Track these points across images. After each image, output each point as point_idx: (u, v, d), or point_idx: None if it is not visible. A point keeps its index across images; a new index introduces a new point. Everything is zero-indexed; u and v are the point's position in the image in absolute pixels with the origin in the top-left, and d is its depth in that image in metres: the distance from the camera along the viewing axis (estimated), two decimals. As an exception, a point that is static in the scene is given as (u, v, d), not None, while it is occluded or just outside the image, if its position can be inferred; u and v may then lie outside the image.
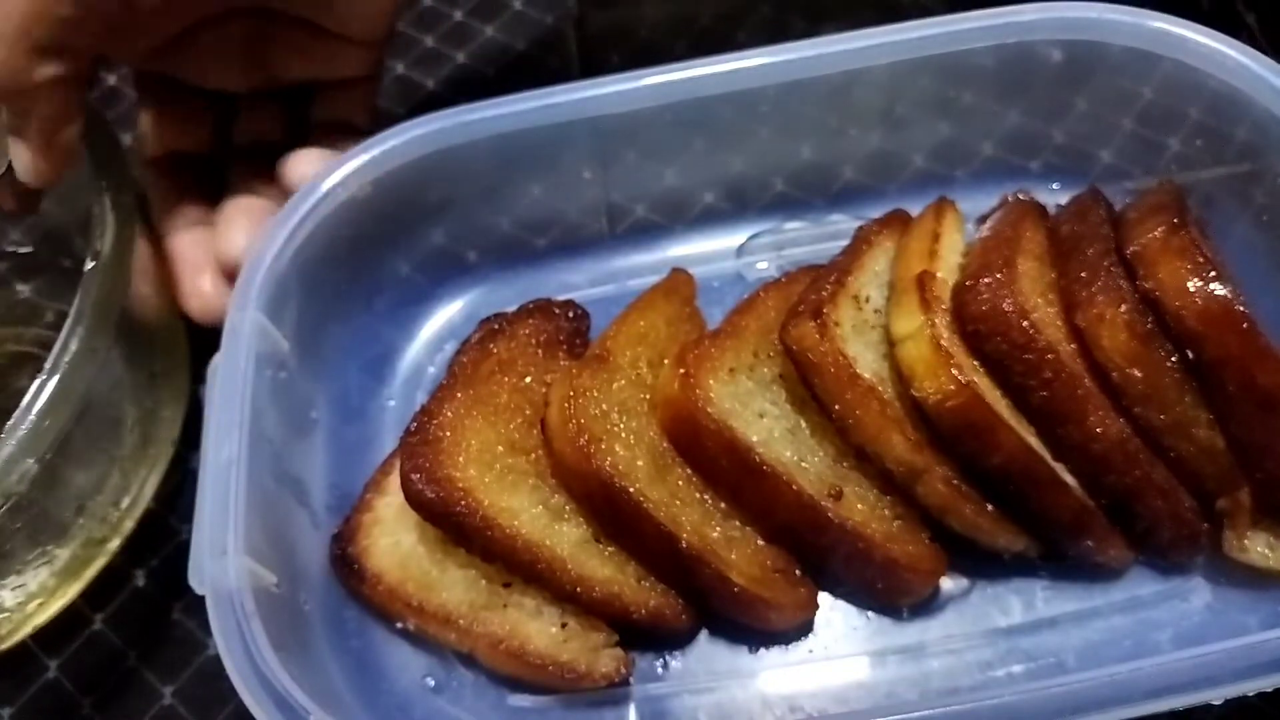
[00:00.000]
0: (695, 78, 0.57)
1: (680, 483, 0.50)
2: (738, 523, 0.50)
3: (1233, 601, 0.50)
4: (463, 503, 0.48)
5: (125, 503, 0.55)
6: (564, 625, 0.49)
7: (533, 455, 0.51)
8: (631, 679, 0.50)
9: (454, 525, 0.48)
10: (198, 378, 0.61)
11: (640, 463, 0.49)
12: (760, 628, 0.50)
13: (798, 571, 0.50)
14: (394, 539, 0.52)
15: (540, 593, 0.49)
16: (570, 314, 0.58)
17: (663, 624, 0.49)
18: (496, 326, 0.57)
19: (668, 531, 0.47)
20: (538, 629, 0.49)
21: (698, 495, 0.50)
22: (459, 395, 0.52)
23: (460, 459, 0.50)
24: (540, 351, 0.55)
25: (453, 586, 0.50)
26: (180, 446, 0.59)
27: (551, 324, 0.57)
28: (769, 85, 0.57)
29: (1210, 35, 0.54)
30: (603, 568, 0.49)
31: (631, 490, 0.48)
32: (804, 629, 0.51)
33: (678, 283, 0.58)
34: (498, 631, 0.48)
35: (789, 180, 0.64)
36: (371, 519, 0.52)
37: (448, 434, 0.50)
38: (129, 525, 0.56)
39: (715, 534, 0.49)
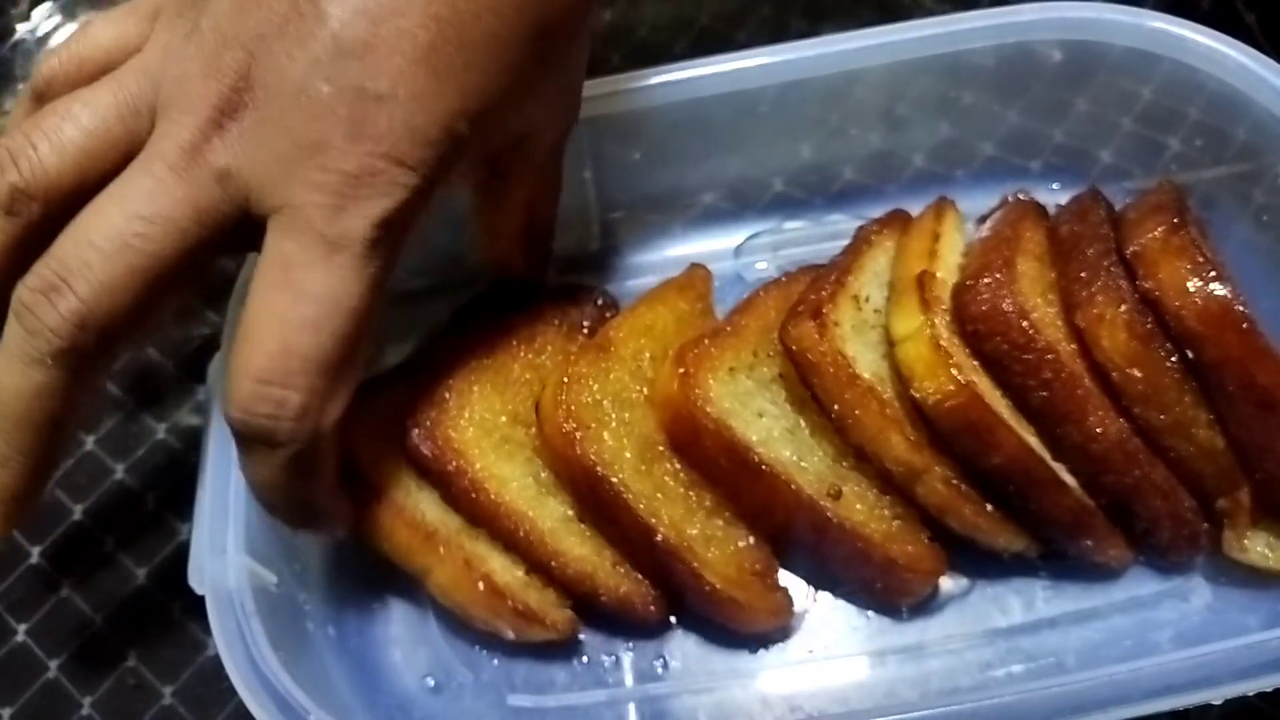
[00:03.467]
0: (695, 78, 0.57)
1: (666, 478, 0.50)
2: (720, 522, 0.50)
3: (1233, 601, 0.50)
4: (454, 463, 0.49)
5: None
6: (526, 572, 0.49)
7: (532, 429, 0.52)
8: (581, 635, 0.51)
9: (443, 483, 0.49)
10: (198, 376, 0.61)
11: (627, 454, 0.49)
12: (733, 629, 0.50)
13: (777, 577, 0.51)
14: None
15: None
16: (599, 300, 0.58)
17: (630, 611, 0.49)
18: (523, 301, 0.56)
19: (645, 524, 0.48)
20: (502, 566, 0.49)
21: (682, 491, 0.50)
22: (471, 360, 0.52)
23: (461, 421, 0.50)
24: (561, 330, 0.55)
25: (431, 506, 0.50)
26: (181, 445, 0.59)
27: (577, 307, 0.57)
28: (769, 85, 0.57)
29: (1210, 35, 0.54)
30: (580, 546, 0.49)
31: (614, 480, 0.48)
32: (784, 633, 0.51)
33: (694, 278, 0.58)
34: (469, 556, 0.48)
35: (789, 180, 0.63)
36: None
37: (452, 396, 0.51)
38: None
39: (694, 531, 0.49)
